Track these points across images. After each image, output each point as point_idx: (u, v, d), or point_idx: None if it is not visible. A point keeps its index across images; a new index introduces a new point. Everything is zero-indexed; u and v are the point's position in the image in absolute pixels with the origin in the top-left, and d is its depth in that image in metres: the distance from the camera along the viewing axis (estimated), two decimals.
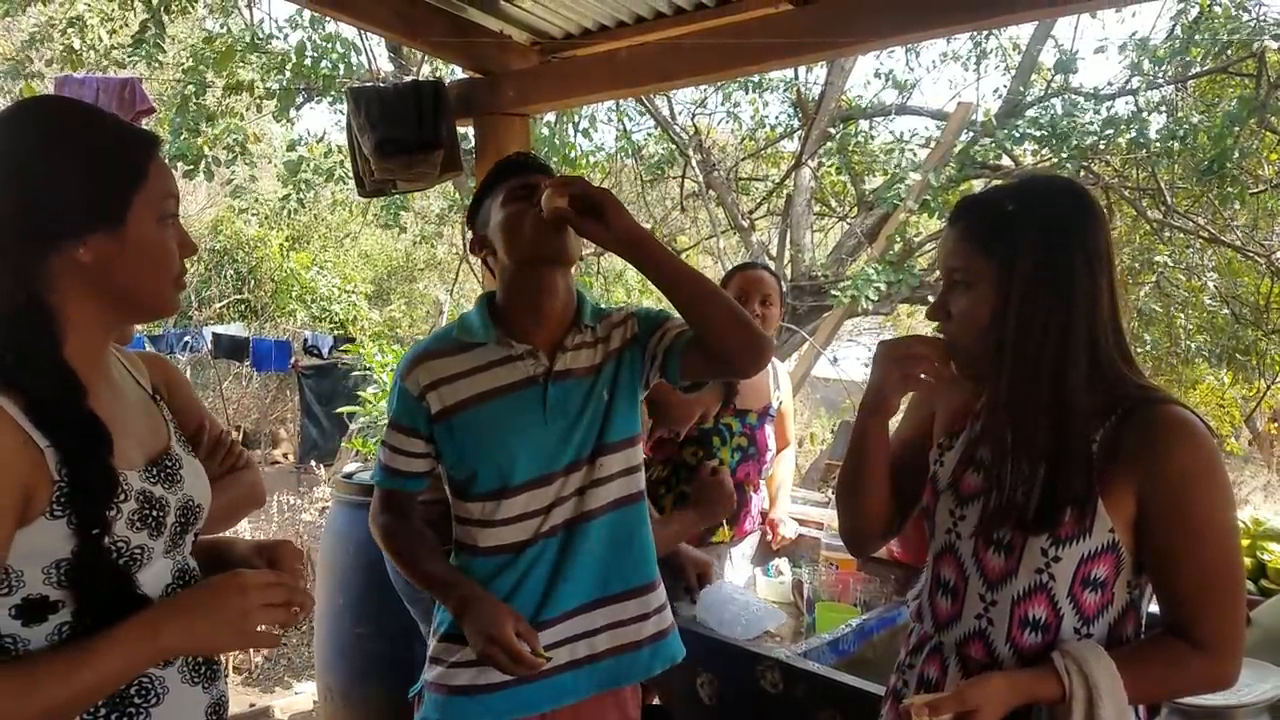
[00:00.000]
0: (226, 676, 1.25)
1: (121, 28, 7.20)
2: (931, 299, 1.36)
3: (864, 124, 7.93)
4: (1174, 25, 6.75)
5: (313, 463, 7.89)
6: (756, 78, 7.62)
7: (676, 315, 1.67)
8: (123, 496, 1.05)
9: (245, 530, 5.30)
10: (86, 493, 1.01)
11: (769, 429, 2.70)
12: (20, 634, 1.00)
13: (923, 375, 1.32)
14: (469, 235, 1.78)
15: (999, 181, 6.90)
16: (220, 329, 8.69)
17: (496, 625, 1.49)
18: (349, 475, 3.31)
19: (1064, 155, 6.22)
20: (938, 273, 1.49)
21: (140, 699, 1.07)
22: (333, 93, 7.08)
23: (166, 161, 1.16)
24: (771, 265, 2.86)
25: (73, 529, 1.00)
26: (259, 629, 1.06)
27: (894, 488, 1.46)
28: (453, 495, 1.70)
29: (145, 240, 1.08)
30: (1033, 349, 1.20)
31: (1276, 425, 9.90)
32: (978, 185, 6.84)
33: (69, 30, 7.12)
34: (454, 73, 5.78)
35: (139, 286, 1.09)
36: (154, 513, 1.09)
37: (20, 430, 0.98)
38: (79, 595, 1.02)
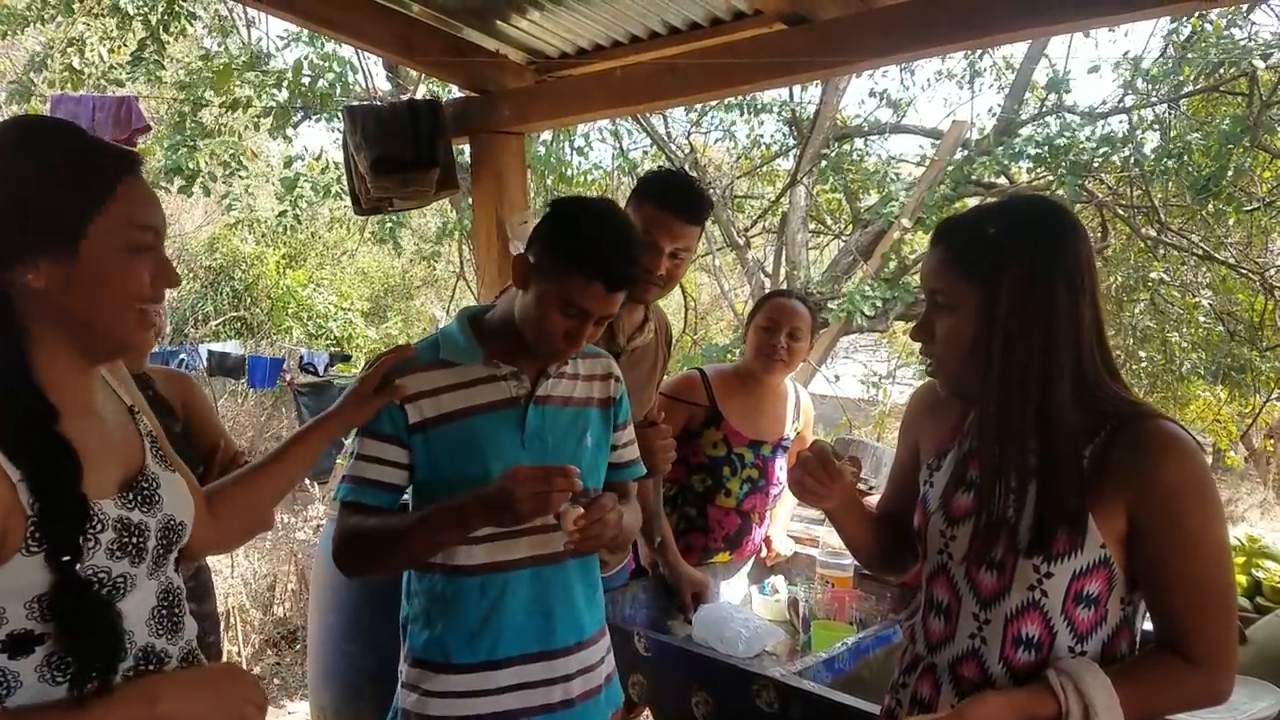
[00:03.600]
0: None
1: (120, 47, 7.23)
2: None
3: (859, 142, 7.97)
4: (1166, 45, 6.81)
5: (308, 480, 7.85)
6: (751, 97, 7.66)
7: (631, 433, 1.80)
8: (100, 526, 1.03)
9: (240, 549, 5.27)
10: (57, 520, 0.98)
11: (781, 460, 2.66)
12: (9, 667, 0.99)
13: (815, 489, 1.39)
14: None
15: (993, 198, 6.92)
16: (216, 346, 8.67)
17: (499, 487, 1.41)
18: None
19: (1060, 173, 6.25)
20: None
21: None
22: (330, 109, 7.11)
23: (150, 186, 1.09)
24: (808, 298, 2.71)
25: (50, 561, 0.98)
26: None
27: (899, 517, 1.48)
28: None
29: (102, 270, 1.02)
30: (1018, 371, 1.21)
31: (1272, 442, 9.90)
32: (972, 203, 6.87)
33: (69, 50, 7.14)
34: (450, 91, 5.81)
35: (93, 319, 1.04)
36: (133, 539, 1.07)
37: None
38: (60, 628, 0.99)
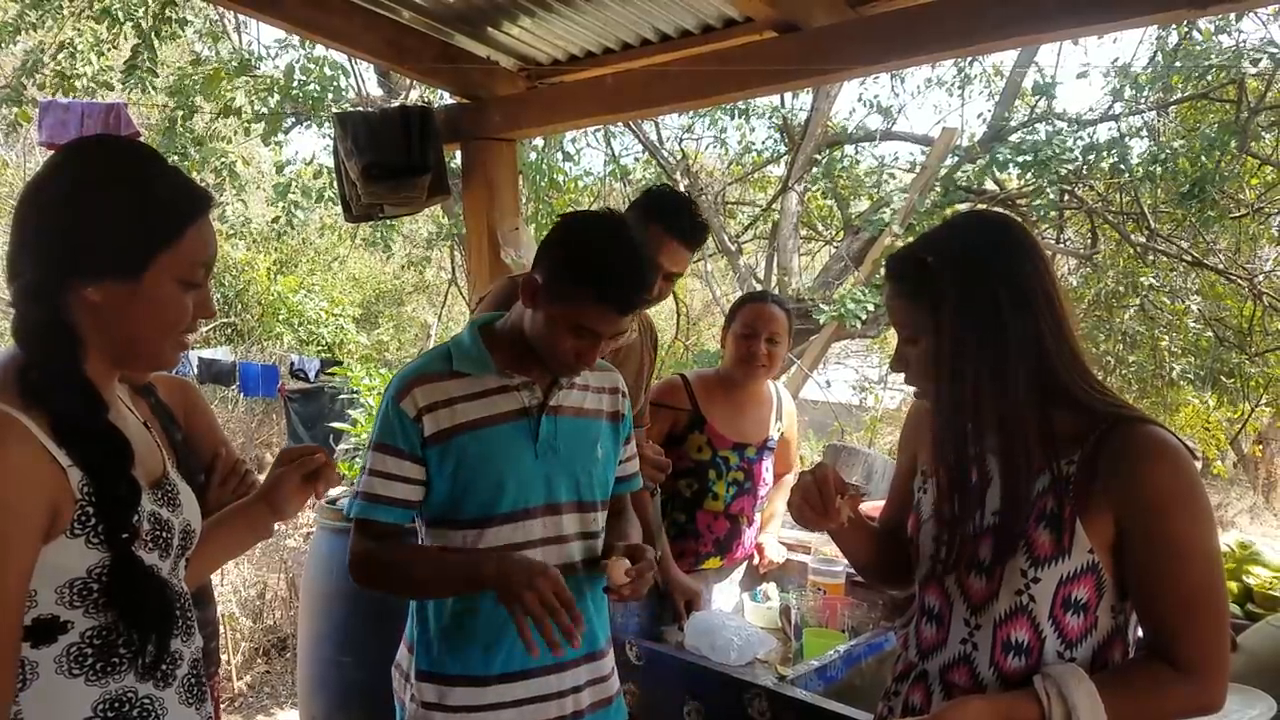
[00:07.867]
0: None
1: (110, 50, 7.19)
2: None
3: (850, 149, 7.99)
4: (1155, 52, 6.84)
5: None
6: (743, 103, 7.68)
7: (634, 447, 1.83)
8: (137, 518, 1.09)
9: None
10: (113, 503, 1.05)
11: (767, 462, 2.67)
12: (29, 656, 1.02)
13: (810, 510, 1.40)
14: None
15: (983, 206, 6.96)
16: (206, 353, 8.63)
17: (534, 573, 1.45)
18: (333, 501, 3.28)
19: (1047, 180, 6.27)
20: None
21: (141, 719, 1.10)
22: (321, 113, 7.09)
23: (212, 223, 1.16)
24: (784, 299, 2.72)
25: (93, 545, 1.03)
26: None
27: (900, 529, 1.50)
28: (431, 525, 1.67)
29: (158, 299, 1.09)
30: (970, 389, 1.24)
31: (1261, 447, 9.95)
32: (962, 209, 6.88)
33: (59, 55, 7.10)
34: (442, 98, 5.81)
35: (137, 339, 1.11)
36: (163, 533, 1.13)
37: (44, 449, 1.00)
38: (121, 606, 1.05)
